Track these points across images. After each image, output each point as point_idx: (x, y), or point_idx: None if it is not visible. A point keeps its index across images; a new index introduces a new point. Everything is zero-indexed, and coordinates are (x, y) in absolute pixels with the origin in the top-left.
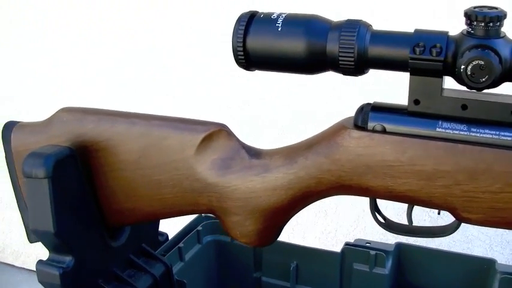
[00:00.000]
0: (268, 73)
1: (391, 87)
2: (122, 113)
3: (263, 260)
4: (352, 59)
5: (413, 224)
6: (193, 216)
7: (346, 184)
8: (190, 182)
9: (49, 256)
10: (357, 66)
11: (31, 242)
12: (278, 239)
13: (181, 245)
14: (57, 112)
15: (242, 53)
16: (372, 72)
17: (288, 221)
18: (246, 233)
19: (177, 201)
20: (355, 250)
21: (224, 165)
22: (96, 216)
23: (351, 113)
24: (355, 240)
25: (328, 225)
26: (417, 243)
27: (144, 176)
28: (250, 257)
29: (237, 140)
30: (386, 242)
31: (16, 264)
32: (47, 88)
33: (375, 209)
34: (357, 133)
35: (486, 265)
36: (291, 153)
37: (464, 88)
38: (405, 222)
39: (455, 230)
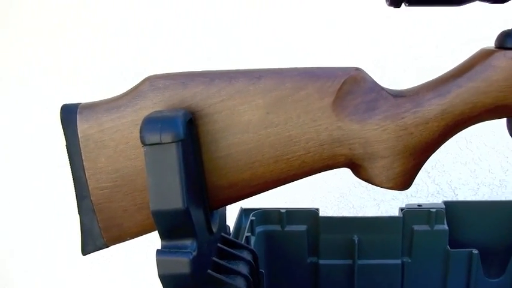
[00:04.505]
0: None
1: None
2: (238, 71)
3: (319, 241)
4: None
5: None
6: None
7: (502, 104)
8: (329, 132)
9: (164, 244)
10: None
11: (85, 254)
12: (334, 214)
13: (247, 233)
14: (145, 81)
15: None
16: None
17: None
18: (393, 176)
19: (309, 157)
20: (415, 211)
21: (369, 107)
22: (204, 194)
23: None
24: (406, 205)
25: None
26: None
27: (271, 135)
28: (303, 241)
29: (375, 81)
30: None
31: None
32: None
33: None
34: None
35: None
36: (439, 84)
37: None
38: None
39: None
